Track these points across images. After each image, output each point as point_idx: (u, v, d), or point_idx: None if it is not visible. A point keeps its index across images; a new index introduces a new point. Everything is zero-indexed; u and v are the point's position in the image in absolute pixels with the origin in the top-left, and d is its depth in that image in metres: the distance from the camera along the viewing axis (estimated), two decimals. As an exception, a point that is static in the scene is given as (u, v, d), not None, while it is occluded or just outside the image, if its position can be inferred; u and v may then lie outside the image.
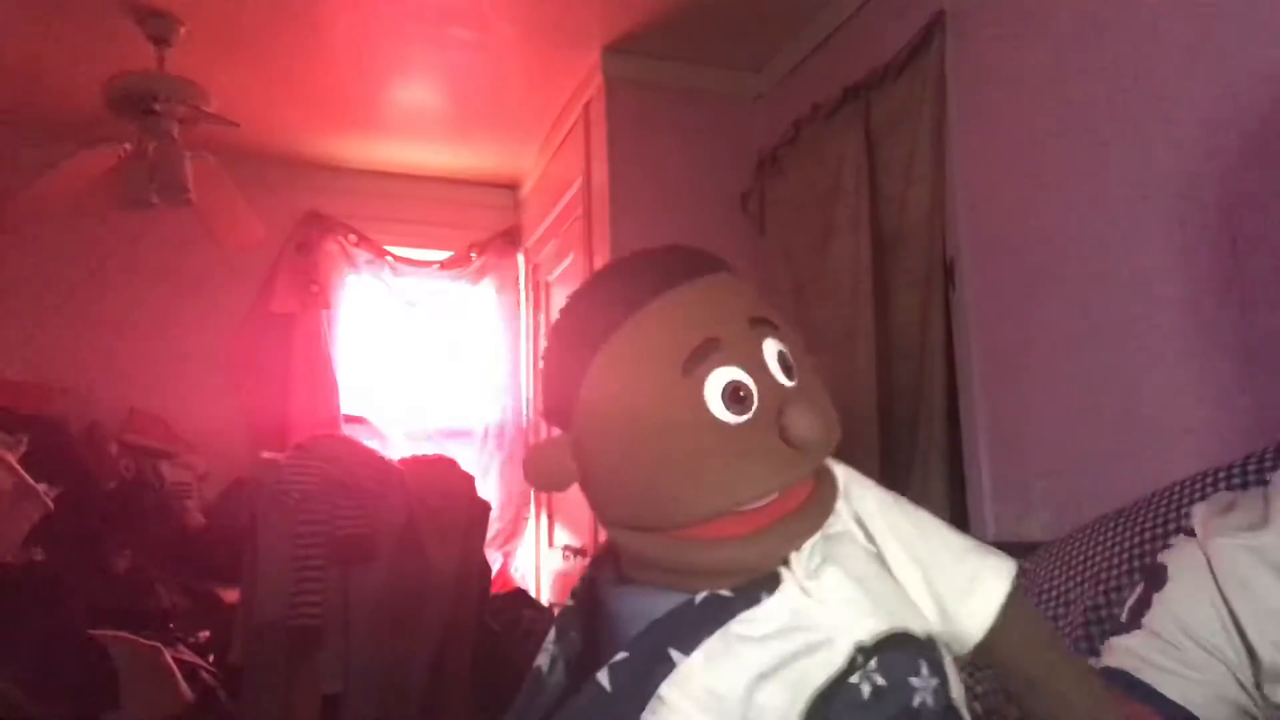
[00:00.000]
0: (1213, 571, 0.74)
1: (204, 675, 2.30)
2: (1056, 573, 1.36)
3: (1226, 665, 0.73)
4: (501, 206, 3.93)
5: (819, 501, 0.59)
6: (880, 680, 0.56)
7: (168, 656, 2.19)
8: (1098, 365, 1.65)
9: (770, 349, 0.58)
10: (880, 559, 0.64)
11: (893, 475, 2.17)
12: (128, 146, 2.56)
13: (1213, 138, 1.43)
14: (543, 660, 0.69)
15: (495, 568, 3.43)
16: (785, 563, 0.58)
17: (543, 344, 0.65)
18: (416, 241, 3.81)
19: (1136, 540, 1.23)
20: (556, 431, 0.61)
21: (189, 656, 2.33)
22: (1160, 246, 1.53)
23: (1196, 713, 0.72)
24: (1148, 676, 0.73)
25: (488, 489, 3.58)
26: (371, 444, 2.70)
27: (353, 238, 3.65)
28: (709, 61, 2.85)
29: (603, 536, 0.59)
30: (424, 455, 2.74)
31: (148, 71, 2.47)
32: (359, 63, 2.84)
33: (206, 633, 2.58)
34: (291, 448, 2.53)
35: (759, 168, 2.83)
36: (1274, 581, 0.71)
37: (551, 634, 0.70)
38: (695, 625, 0.56)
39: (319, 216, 3.62)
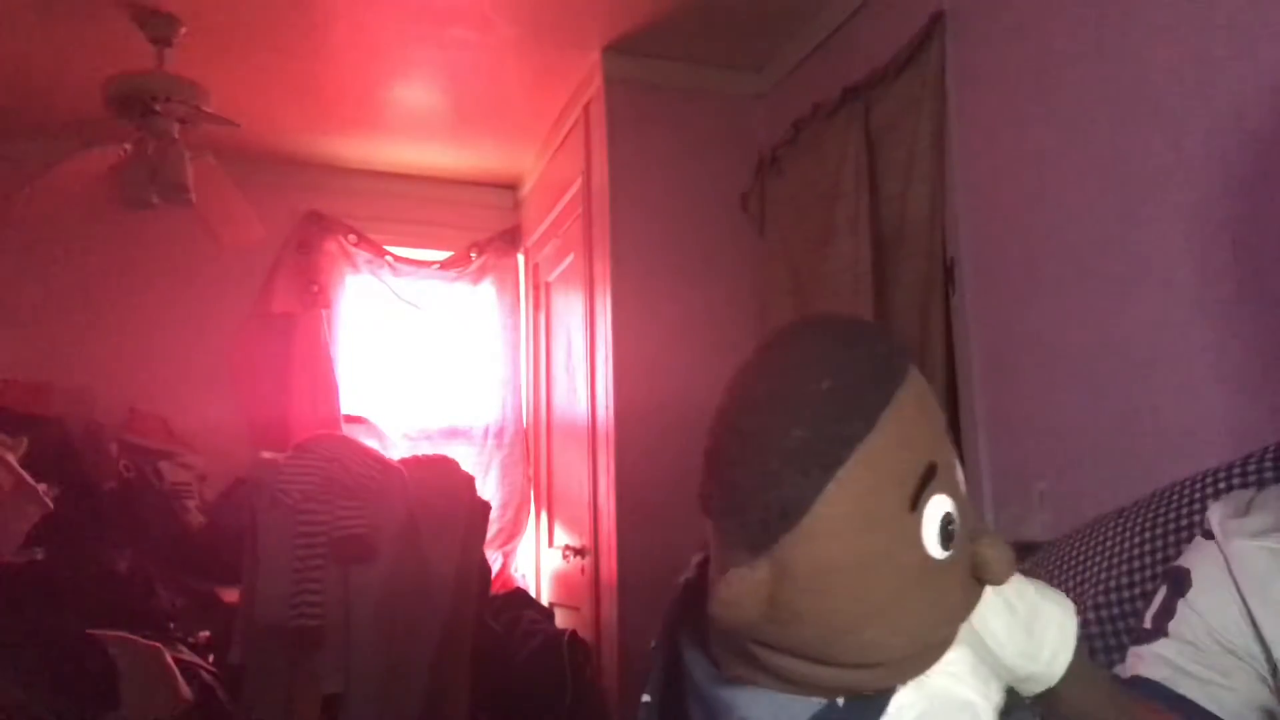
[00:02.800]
0: (1232, 574, 0.74)
1: (204, 675, 2.30)
2: (1057, 573, 1.36)
3: (1256, 670, 0.72)
4: (501, 206, 3.93)
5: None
6: None
7: (168, 656, 2.19)
8: (1098, 365, 1.65)
9: (956, 464, 0.56)
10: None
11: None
12: (128, 146, 2.55)
13: (1213, 136, 1.43)
14: None
15: (495, 568, 3.43)
16: None
17: (724, 440, 0.56)
18: (416, 241, 3.81)
19: (1149, 539, 1.23)
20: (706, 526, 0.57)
21: (189, 656, 2.33)
22: (1160, 246, 1.53)
23: (1228, 719, 0.71)
24: (1180, 685, 0.73)
25: (488, 489, 3.58)
26: (371, 444, 2.70)
27: (353, 238, 3.65)
28: (709, 61, 2.85)
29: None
30: (424, 455, 2.74)
31: (148, 71, 2.47)
32: (359, 63, 2.84)
33: (206, 633, 2.58)
34: (291, 448, 2.53)
35: (759, 168, 2.83)
36: None
37: None
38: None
39: (319, 216, 3.62)
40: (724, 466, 0.55)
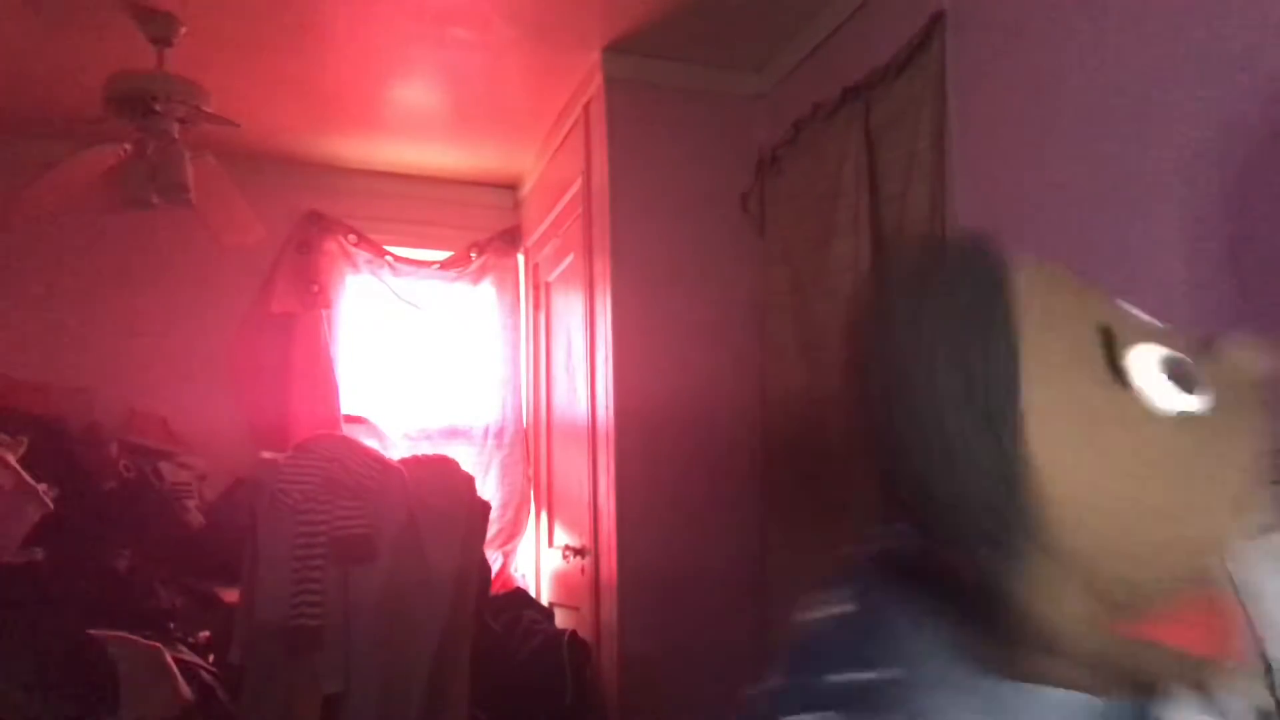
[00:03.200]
0: (1229, 575, 0.74)
1: (204, 675, 2.30)
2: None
3: (1254, 670, 0.72)
4: (501, 206, 3.93)
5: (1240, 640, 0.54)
6: None
7: (168, 656, 2.19)
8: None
9: (1139, 315, 0.55)
10: None
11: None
12: (128, 146, 2.55)
13: (1213, 135, 1.43)
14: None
15: (495, 568, 3.43)
16: None
17: (905, 441, 0.49)
18: (416, 241, 3.82)
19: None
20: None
21: (189, 656, 2.33)
22: (1161, 245, 1.53)
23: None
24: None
25: (488, 489, 3.58)
26: (371, 444, 2.71)
27: (353, 238, 3.65)
28: (709, 61, 2.85)
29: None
30: (424, 455, 2.74)
31: (148, 71, 2.47)
32: (359, 63, 2.84)
33: (206, 633, 2.58)
34: (291, 448, 2.53)
35: (759, 168, 2.83)
36: None
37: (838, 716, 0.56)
38: None
39: (319, 216, 3.62)
40: (921, 473, 0.48)
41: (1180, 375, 0.45)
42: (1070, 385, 0.45)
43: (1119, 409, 0.44)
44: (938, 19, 2.07)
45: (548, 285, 3.61)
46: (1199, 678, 0.51)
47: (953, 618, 0.53)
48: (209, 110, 2.57)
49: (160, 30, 2.48)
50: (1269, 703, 0.72)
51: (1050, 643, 0.49)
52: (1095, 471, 0.44)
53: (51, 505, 2.43)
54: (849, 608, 0.60)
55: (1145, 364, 0.45)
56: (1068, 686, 0.50)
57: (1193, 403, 0.45)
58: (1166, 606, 0.48)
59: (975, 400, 0.45)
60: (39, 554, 2.41)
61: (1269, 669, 0.71)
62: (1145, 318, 0.50)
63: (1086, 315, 0.48)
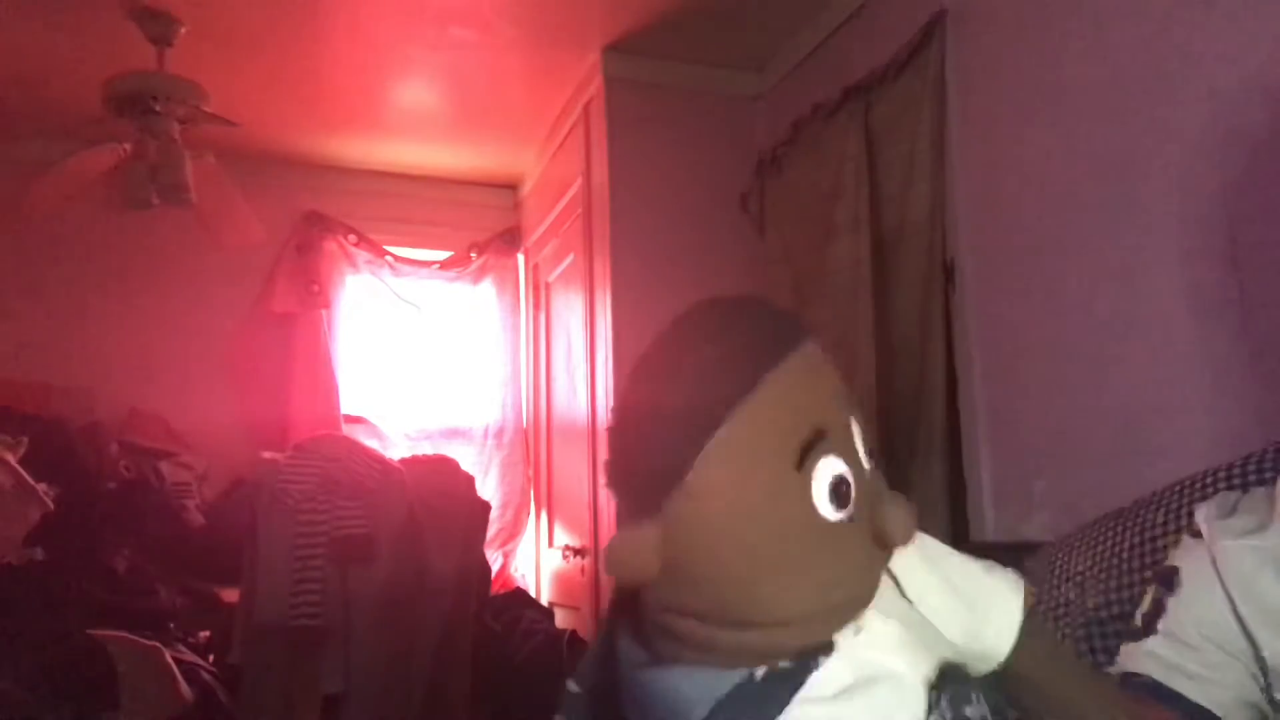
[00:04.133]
0: (1219, 573, 0.74)
1: (204, 675, 2.30)
2: (1057, 574, 1.36)
3: (1245, 665, 0.73)
4: (501, 206, 3.93)
5: (866, 589, 0.58)
6: (949, 714, 0.56)
7: (168, 656, 2.19)
8: (1098, 365, 1.65)
9: (857, 431, 0.57)
10: (902, 593, 0.64)
11: (893, 475, 2.17)
12: (128, 146, 2.55)
13: (1212, 136, 1.43)
14: None
15: (495, 568, 3.43)
16: None
17: (619, 414, 0.59)
18: (416, 241, 3.81)
19: (1140, 542, 1.23)
20: (616, 504, 0.58)
21: (189, 656, 2.33)
22: (1161, 245, 1.53)
23: (1222, 715, 0.71)
24: (1172, 682, 0.73)
25: (488, 489, 3.58)
26: (371, 444, 2.71)
27: (353, 238, 3.65)
28: (709, 61, 2.85)
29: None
30: (424, 455, 2.75)
31: (148, 71, 2.47)
32: (359, 63, 2.84)
33: (206, 633, 2.58)
34: (291, 448, 2.53)
35: (759, 168, 2.83)
36: (1279, 582, 0.71)
37: None
38: (766, 700, 0.54)
39: (319, 216, 3.62)
40: (615, 437, 0.57)
41: (840, 492, 0.53)
42: (759, 440, 0.53)
43: (780, 483, 0.52)
44: (938, 19, 2.07)
45: (548, 285, 3.61)
46: (814, 641, 0.56)
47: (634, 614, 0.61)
48: (209, 110, 2.57)
49: (160, 30, 2.48)
50: (1260, 698, 0.73)
51: (668, 623, 0.56)
52: (734, 511, 0.52)
53: (51, 505, 2.43)
54: (593, 650, 0.69)
55: (826, 470, 0.53)
56: (698, 664, 0.55)
57: (834, 515, 0.53)
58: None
59: (689, 413, 0.53)
60: (39, 554, 2.40)
61: (1262, 666, 0.72)
62: (860, 444, 0.57)
63: (815, 410, 0.55)
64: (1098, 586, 1.24)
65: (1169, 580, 0.79)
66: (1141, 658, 0.76)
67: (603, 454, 2.80)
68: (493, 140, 3.47)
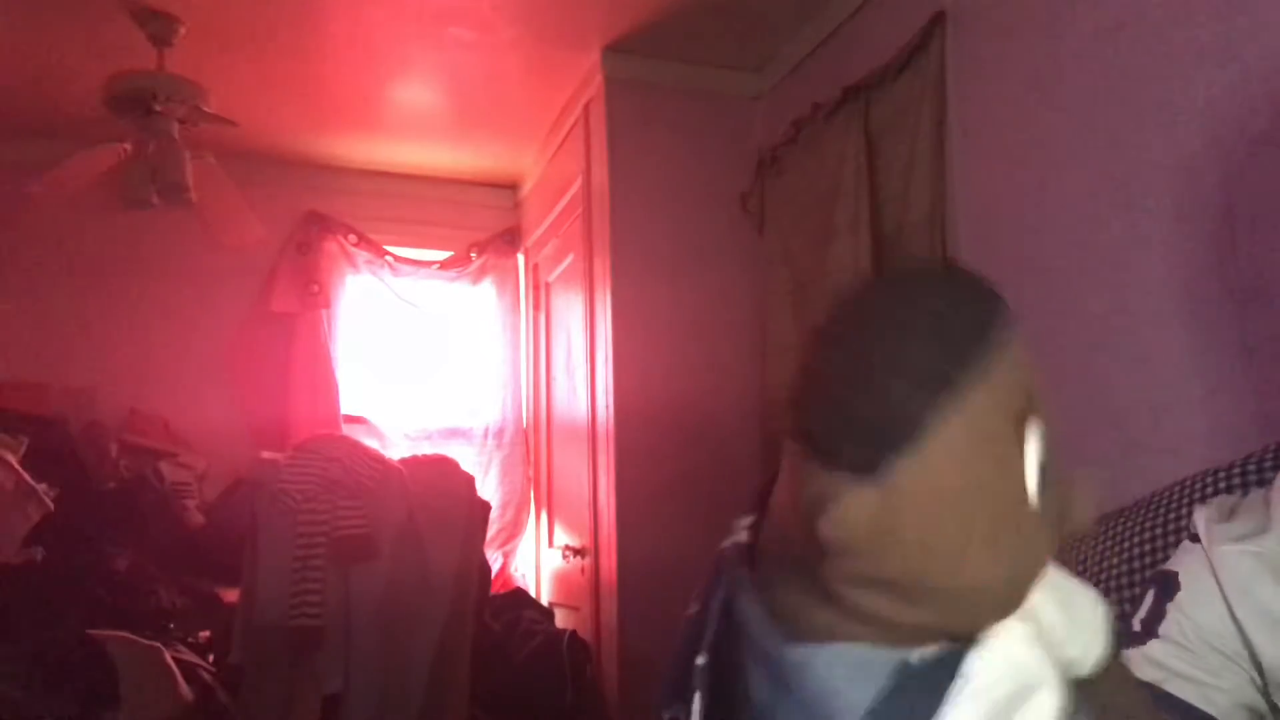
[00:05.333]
0: (1217, 578, 0.74)
1: (204, 675, 2.30)
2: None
3: (1245, 670, 0.73)
4: (501, 206, 3.93)
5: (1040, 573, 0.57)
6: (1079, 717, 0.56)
7: (168, 656, 2.19)
8: (1097, 365, 1.65)
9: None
10: None
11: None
12: (128, 146, 2.56)
13: (1212, 136, 1.43)
14: None
15: (495, 568, 3.43)
16: None
17: (825, 358, 0.54)
18: (416, 241, 3.81)
19: (1139, 544, 1.23)
20: (793, 453, 0.54)
21: (189, 656, 2.33)
22: (1161, 245, 1.53)
23: (1220, 718, 0.72)
24: (1172, 687, 0.73)
25: (488, 489, 3.58)
26: (371, 444, 2.70)
27: (353, 238, 3.65)
28: (709, 61, 2.85)
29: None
30: (424, 455, 2.74)
31: (148, 71, 2.47)
32: (359, 63, 2.84)
33: (206, 633, 2.58)
34: (291, 448, 2.53)
35: (759, 168, 2.83)
36: (1276, 587, 0.71)
37: (696, 701, 0.62)
38: (930, 683, 0.52)
39: (319, 216, 3.62)
40: (832, 384, 0.53)
41: (1043, 465, 0.52)
42: (996, 404, 0.50)
43: (1006, 450, 0.51)
44: (938, 18, 2.07)
45: (548, 285, 3.61)
46: (990, 623, 0.54)
47: (775, 590, 0.57)
48: (209, 110, 2.57)
49: (160, 30, 2.48)
50: (1259, 702, 0.73)
51: (842, 594, 0.53)
52: (966, 477, 0.50)
53: (51, 505, 2.43)
54: (695, 608, 0.66)
55: (1036, 439, 0.52)
56: (857, 640, 0.53)
57: (1036, 487, 0.52)
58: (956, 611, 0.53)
59: (928, 368, 0.50)
60: (39, 554, 2.41)
61: (1259, 669, 0.72)
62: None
63: (1028, 375, 0.53)
64: (1102, 588, 1.24)
65: (1168, 585, 0.79)
66: (1141, 663, 0.76)
67: (606, 452, 2.79)
68: (493, 140, 3.47)
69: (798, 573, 0.55)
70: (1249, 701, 0.72)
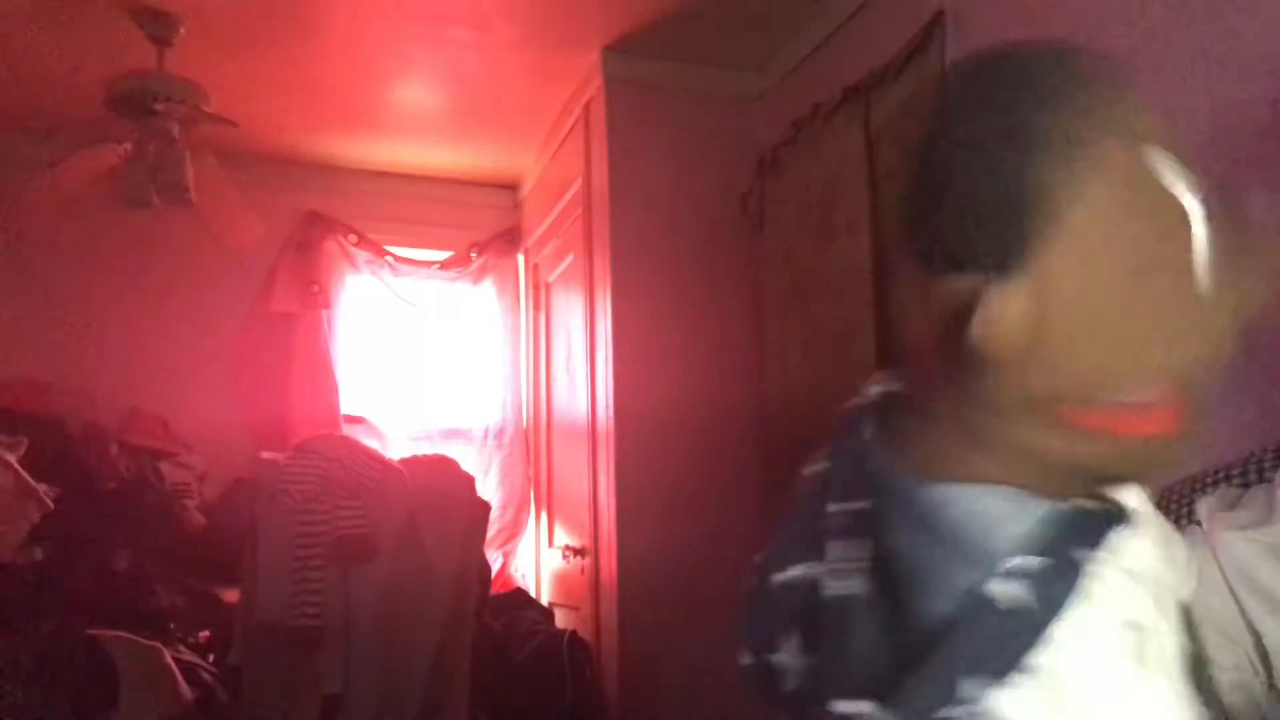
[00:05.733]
0: (1219, 563, 0.75)
1: (204, 675, 2.30)
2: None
3: (1244, 651, 0.73)
4: (501, 206, 3.93)
5: (1192, 421, 0.50)
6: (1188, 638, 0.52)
7: (168, 656, 2.19)
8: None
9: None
10: None
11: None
12: (128, 146, 2.56)
13: (1213, 137, 1.43)
14: (843, 585, 0.56)
15: (495, 568, 3.43)
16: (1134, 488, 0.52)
17: (935, 141, 0.48)
18: (416, 241, 3.81)
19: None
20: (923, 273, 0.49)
21: (189, 656, 2.33)
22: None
23: (1223, 698, 0.72)
24: None
25: (488, 489, 3.58)
26: (371, 444, 2.70)
27: (353, 238, 3.65)
28: (709, 61, 2.85)
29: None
30: (424, 455, 2.74)
31: (148, 71, 2.47)
32: (359, 63, 2.84)
33: (206, 633, 2.58)
34: (291, 448, 2.53)
35: (759, 168, 2.83)
36: (1278, 572, 0.72)
37: (834, 549, 0.57)
38: (1093, 525, 0.48)
39: (319, 216, 3.62)
40: (948, 182, 0.47)
41: (1213, 238, 0.45)
42: (1139, 172, 0.45)
43: (1165, 225, 0.44)
44: (938, 19, 2.07)
45: (548, 285, 3.61)
46: (1140, 465, 0.50)
47: (912, 434, 0.53)
48: (209, 110, 2.57)
49: (160, 30, 2.48)
50: (1254, 685, 0.73)
51: (991, 427, 0.48)
52: (1123, 258, 0.44)
53: (51, 505, 2.43)
54: (820, 466, 0.62)
55: (1199, 218, 0.45)
56: (1001, 482, 0.49)
57: (1205, 261, 0.45)
58: (1114, 400, 0.47)
59: (1064, 136, 0.44)
60: (39, 554, 2.41)
61: (1263, 654, 0.72)
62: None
63: (1182, 149, 0.47)
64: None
65: None
66: None
67: (606, 452, 2.80)
68: (493, 140, 3.47)
69: (940, 417, 0.51)
70: (1245, 681, 0.73)
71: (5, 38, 2.59)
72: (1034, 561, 0.46)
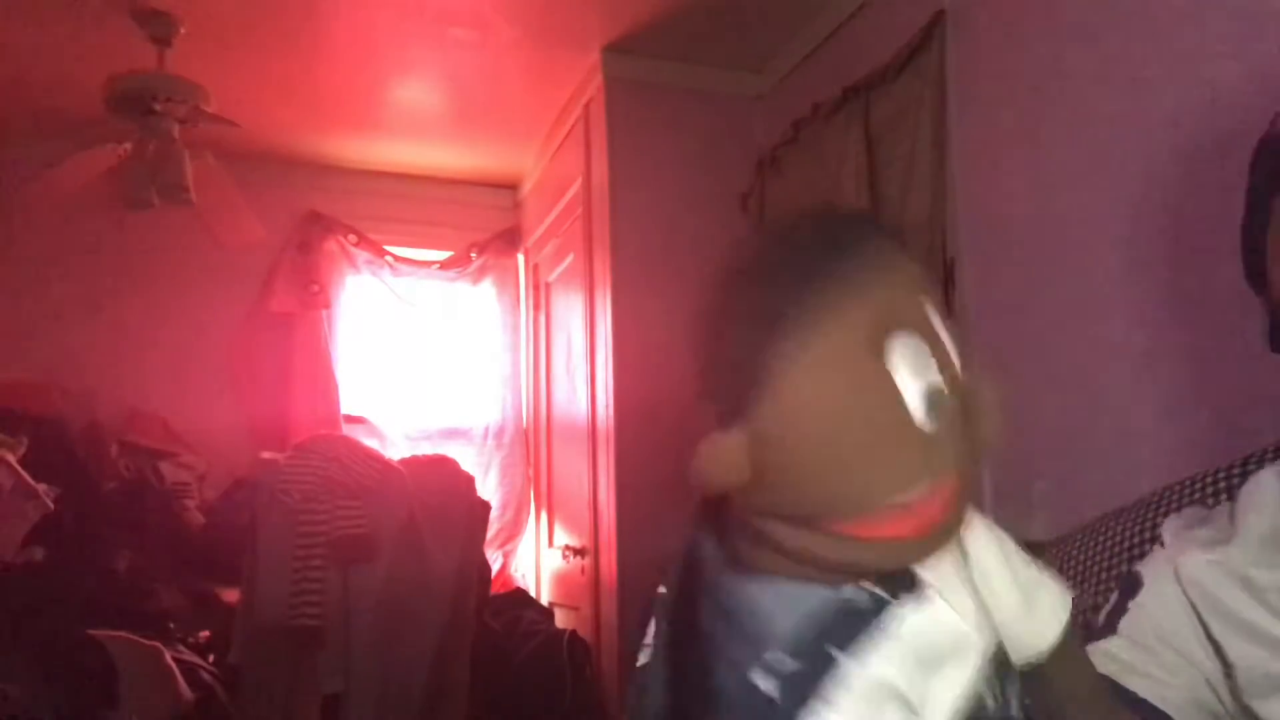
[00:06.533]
0: (1180, 583, 0.76)
1: (204, 675, 2.30)
2: (1057, 573, 1.36)
3: (1200, 671, 0.74)
4: (501, 206, 3.93)
5: (965, 502, 0.56)
6: (992, 693, 0.56)
7: (168, 656, 2.19)
8: (1098, 365, 1.65)
9: (937, 320, 0.55)
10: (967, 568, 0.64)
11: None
12: (128, 146, 2.56)
13: (1216, 134, 1.43)
14: (644, 658, 0.66)
15: (495, 568, 3.43)
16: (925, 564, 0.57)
17: (703, 321, 0.59)
18: (416, 241, 3.82)
19: (1113, 547, 1.24)
20: (709, 415, 0.56)
21: (189, 656, 2.33)
22: (1158, 245, 1.53)
23: (1174, 714, 0.72)
24: (1127, 681, 0.74)
25: (488, 489, 3.58)
26: (371, 444, 2.71)
27: (353, 238, 3.65)
28: (709, 61, 2.85)
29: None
30: (424, 455, 2.74)
31: (148, 71, 2.47)
32: (359, 63, 2.84)
33: (206, 633, 2.58)
34: (291, 448, 2.53)
35: (759, 168, 2.83)
36: (1242, 594, 0.73)
37: (650, 627, 0.66)
38: (851, 623, 0.54)
39: (319, 216, 3.62)
40: (698, 346, 0.58)
41: (921, 372, 0.52)
42: (840, 331, 0.52)
43: (861, 372, 0.52)
44: (938, 19, 2.07)
45: (548, 285, 3.61)
46: (900, 561, 0.55)
47: (732, 535, 0.60)
48: (209, 110, 2.57)
49: (160, 30, 2.48)
50: (1213, 701, 0.74)
51: (772, 533, 0.55)
52: (818, 404, 0.51)
53: (51, 505, 2.43)
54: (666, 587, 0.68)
55: (906, 353, 0.52)
56: (798, 578, 0.54)
57: (917, 400, 0.52)
58: (864, 514, 0.53)
59: (765, 310, 0.53)
60: (39, 554, 2.41)
61: (1228, 673, 0.73)
62: (943, 327, 0.56)
63: (894, 300, 0.54)
64: (1097, 584, 1.24)
65: (1132, 585, 0.80)
66: (1099, 657, 0.77)
67: (606, 452, 2.79)
68: (493, 140, 3.47)
69: (741, 522, 0.58)
70: (1202, 699, 0.74)
71: (5, 38, 2.59)
72: (786, 661, 0.52)
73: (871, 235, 0.56)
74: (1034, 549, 1.43)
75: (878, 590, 0.55)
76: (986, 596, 0.62)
